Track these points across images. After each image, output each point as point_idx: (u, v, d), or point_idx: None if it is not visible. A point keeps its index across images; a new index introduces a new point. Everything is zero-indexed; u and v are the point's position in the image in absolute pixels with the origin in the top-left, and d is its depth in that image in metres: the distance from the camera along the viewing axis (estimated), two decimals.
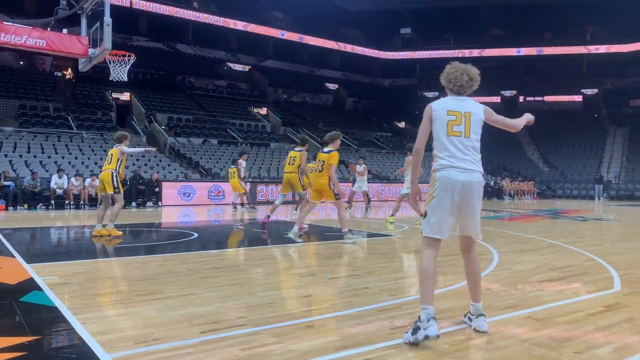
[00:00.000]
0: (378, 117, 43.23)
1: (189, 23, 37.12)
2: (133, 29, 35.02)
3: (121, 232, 8.52)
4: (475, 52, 46.78)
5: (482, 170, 3.30)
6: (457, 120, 3.21)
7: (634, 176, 31.50)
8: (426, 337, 2.96)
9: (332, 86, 45.33)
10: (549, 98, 45.45)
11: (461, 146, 3.20)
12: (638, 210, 18.51)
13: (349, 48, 45.14)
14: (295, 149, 9.06)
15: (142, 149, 10.32)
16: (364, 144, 33.40)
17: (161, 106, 30.18)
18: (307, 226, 9.54)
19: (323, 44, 43.74)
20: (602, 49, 44.42)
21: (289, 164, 8.84)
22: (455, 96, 3.34)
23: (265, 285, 4.74)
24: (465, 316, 3.47)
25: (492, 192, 27.79)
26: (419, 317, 3.05)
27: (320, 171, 8.04)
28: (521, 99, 44.88)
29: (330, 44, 44.22)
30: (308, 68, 44.88)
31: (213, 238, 9.41)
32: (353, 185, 15.98)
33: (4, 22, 7.02)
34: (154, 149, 10.35)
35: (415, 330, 2.98)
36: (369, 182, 17.35)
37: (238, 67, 40.96)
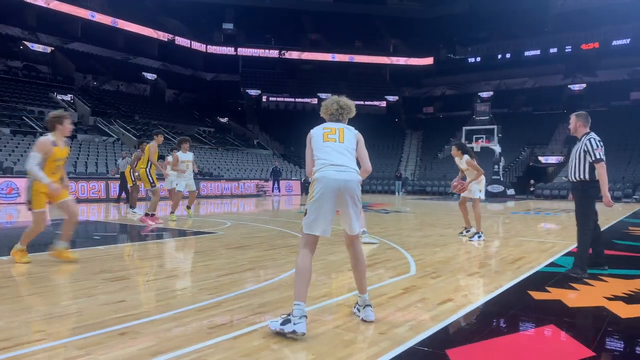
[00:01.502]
0: (200, 112, 42.27)
1: None
2: None
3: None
4: (295, 54, 48.95)
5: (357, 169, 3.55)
6: (331, 132, 3.56)
7: (426, 173, 36.35)
8: (293, 332, 3.05)
9: (150, 76, 42.80)
10: (358, 102, 49.85)
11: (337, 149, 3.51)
12: (429, 203, 21.42)
13: (169, 38, 43.22)
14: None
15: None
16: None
17: None
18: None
19: (140, 31, 41.10)
20: (402, 60, 50.32)
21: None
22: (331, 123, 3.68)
23: (71, 294, 4.26)
24: (354, 307, 3.65)
25: (307, 187, 29.29)
26: (292, 311, 3.14)
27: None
28: None
29: (149, 32, 41.77)
30: (123, 55, 41.65)
31: (5, 242, 8.12)
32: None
33: None
34: None
35: (285, 322, 3.09)
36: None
37: (38, 47, 36.00)
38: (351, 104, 3.80)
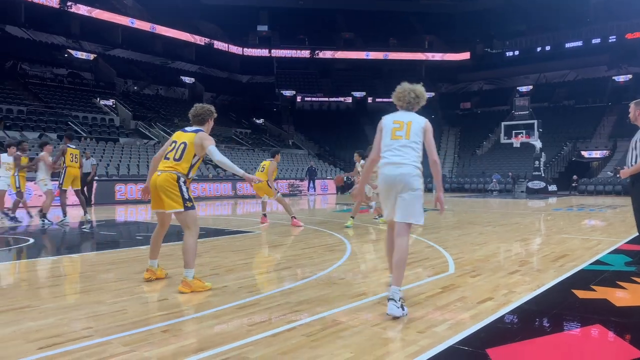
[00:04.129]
0: (237, 114, 42.86)
1: (21, 3, 33.03)
2: None
3: None
4: (329, 54, 49.00)
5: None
6: (400, 127, 3.80)
7: (464, 170, 35.70)
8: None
9: (188, 79, 43.72)
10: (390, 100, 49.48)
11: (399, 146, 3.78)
12: (467, 201, 21.03)
13: (205, 41, 44.08)
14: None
15: None
16: (223, 140, 32.84)
17: None
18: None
19: (178, 36, 42.09)
20: (438, 56, 49.62)
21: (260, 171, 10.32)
22: (403, 111, 3.88)
23: (116, 292, 4.41)
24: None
25: (346, 187, 29.25)
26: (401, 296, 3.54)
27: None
28: (370, 100, 48.05)
29: (186, 36, 42.71)
30: (162, 59, 42.72)
31: (54, 243, 8.49)
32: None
33: None
34: None
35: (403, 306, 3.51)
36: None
37: (81, 54, 37.34)
38: (425, 93, 3.95)
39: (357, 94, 48.22)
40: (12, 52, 32.96)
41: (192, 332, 3.20)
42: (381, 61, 49.66)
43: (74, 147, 11.13)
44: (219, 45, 45.19)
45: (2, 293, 4.32)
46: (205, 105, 4.82)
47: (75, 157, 10.62)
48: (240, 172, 4.57)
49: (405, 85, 3.89)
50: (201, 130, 4.61)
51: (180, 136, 4.59)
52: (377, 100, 48.13)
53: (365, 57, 49.51)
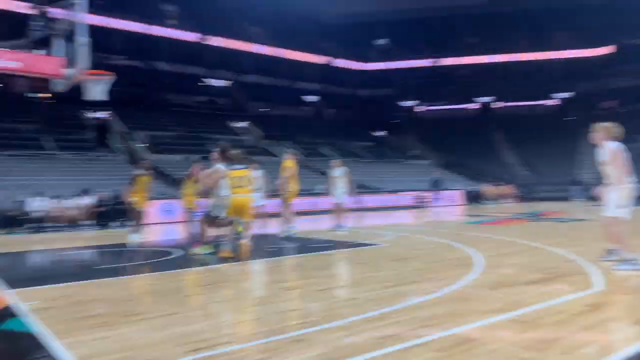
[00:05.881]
0: (358, 128, 43.50)
1: (167, 41, 37.20)
2: (111, 48, 34.71)
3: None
4: (450, 60, 47.63)
5: None
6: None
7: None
8: None
9: (311, 98, 45.58)
10: (522, 103, 46.38)
11: None
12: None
13: (327, 60, 45.57)
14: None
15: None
16: (345, 154, 33.50)
17: (141, 124, 29.92)
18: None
19: (300, 57, 44.08)
20: (571, 53, 45.58)
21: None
22: None
23: (252, 300, 4.70)
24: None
25: (471, 197, 28.05)
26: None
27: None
28: (497, 105, 45.68)
29: (309, 57, 44.57)
30: (287, 81, 45.05)
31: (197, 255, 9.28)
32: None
33: None
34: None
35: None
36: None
37: (217, 82, 40.96)
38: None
39: (483, 100, 46.14)
40: (159, 85, 37.20)
41: (323, 343, 3.28)
42: (508, 63, 46.93)
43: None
44: (339, 62, 46.42)
45: (156, 300, 4.82)
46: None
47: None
48: None
49: (611, 124, 5.80)
50: None
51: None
52: (506, 104, 45.58)
53: (490, 61, 47.24)
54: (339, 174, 11.77)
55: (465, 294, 4.64)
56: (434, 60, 47.27)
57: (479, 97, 46.23)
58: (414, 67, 47.72)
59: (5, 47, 7.26)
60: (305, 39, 44.69)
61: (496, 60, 47.01)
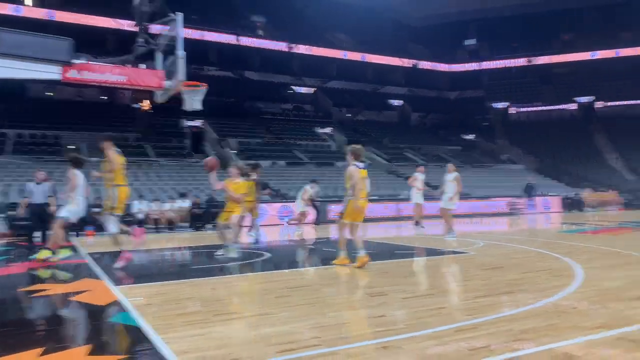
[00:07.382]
0: (445, 131, 42.36)
1: (257, 50, 38.72)
2: (204, 60, 36.88)
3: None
4: (546, 59, 44.87)
5: None
6: None
7: None
8: None
9: (396, 102, 45.10)
10: (629, 102, 42.45)
11: None
12: None
13: (412, 63, 44.90)
14: None
15: None
16: (431, 159, 32.78)
17: (232, 131, 31.35)
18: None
19: (386, 61, 43.80)
20: None
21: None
22: None
23: (338, 305, 4.73)
24: None
25: (572, 204, 26.24)
26: None
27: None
28: (599, 105, 42.39)
29: (393, 61, 44.17)
30: (372, 86, 45.02)
31: (285, 258, 9.55)
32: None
33: (90, 62, 7.61)
34: None
35: None
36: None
37: (303, 89, 41.95)
38: None
39: (583, 100, 43.05)
40: (249, 93, 38.76)
41: (411, 351, 3.23)
42: (611, 60, 43.27)
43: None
44: (426, 65, 45.52)
45: (247, 300, 5.02)
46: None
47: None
48: None
49: None
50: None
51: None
52: (609, 104, 42.16)
53: (590, 58, 43.89)
54: (451, 178, 11.47)
55: (563, 307, 4.35)
56: (528, 59, 44.81)
57: (578, 96, 43.20)
58: (506, 67, 45.62)
59: (114, 63, 7.94)
60: (390, 42, 44.45)
61: (598, 57, 43.59)
